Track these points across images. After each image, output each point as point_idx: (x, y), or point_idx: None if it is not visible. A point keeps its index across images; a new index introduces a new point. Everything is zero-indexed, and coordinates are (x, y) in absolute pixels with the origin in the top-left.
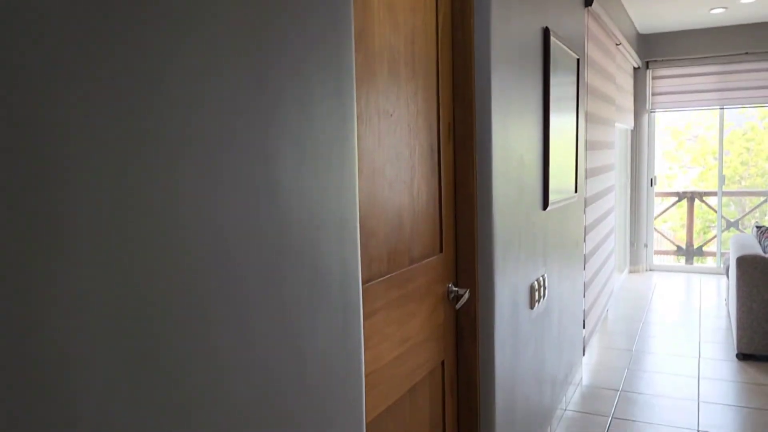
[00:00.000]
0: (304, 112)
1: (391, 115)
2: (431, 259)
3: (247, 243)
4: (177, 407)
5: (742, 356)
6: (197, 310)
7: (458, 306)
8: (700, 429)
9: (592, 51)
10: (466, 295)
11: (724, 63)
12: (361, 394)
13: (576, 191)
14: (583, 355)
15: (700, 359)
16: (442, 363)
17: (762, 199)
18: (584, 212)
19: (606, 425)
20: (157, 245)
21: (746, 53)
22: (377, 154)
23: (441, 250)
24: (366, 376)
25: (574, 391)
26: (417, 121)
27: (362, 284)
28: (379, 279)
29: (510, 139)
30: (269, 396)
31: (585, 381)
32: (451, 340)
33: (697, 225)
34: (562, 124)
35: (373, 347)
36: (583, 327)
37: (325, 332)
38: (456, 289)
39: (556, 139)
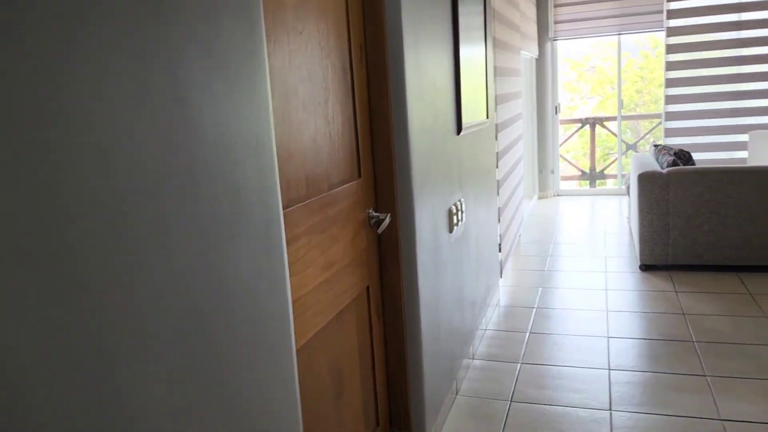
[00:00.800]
0: (211, 21)
1: (301, 33)
2: (350, 184)
3: (160, 156)
4: (89, 333)
5: (645, 267)
6: (113, 226)
7: (380, 231)
8: (609, 335)
9: None
10: (387, 220)
11: None
12: (289, 320)
13: (487, 117)
14: (501, 277)
15: (607, 273)
16: (368, 288)
17: (657, 121)
18: (496, 138)
19: (524, 340)
20: (62, 162)
21: None
22: (289, 74)
23: (360, 175)
24: (293, 302)
25: (493, 312)
26: (328, 40)
27: (283, 209)
28: (299, 204)
29: (422, 62)
30: (190, 320)
31: (503, 302)
32: (375, 264)
33: (599, 151)
34: (472, 48)
35: (298, 273)
36: (499, 251)
37: (248, 255)
38: (377, 214)
39: (467, 64)
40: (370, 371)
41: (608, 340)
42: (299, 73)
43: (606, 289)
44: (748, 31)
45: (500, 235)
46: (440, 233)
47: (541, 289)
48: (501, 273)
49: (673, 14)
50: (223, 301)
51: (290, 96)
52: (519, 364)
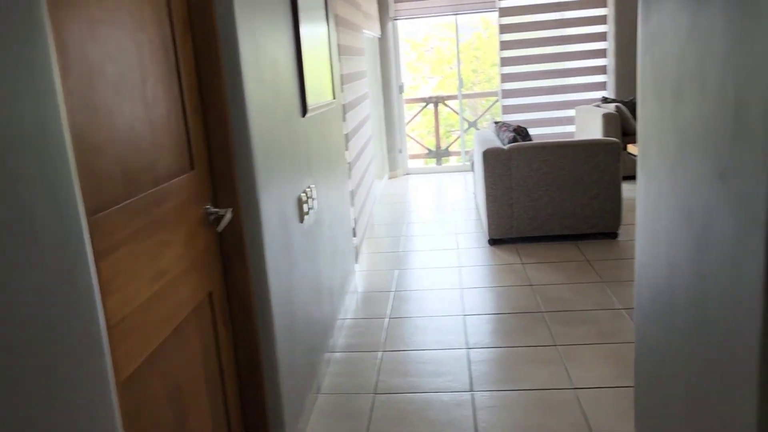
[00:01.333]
0: None
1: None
2: (181, 177)
3: None
4: None
5: (493, 242)
6: None
7: (220, 228)
8: (465, 313)
9: None
10: (228, 215)
11: None
12: (103, 350)
13: (334, 98)
14: (356, 262)
15: (459, 250)
16: (210, 294)
17: (494, 99)
18: (344, 119)
19: (384, 326)
20: None
21: None
22: (91, 49)
23: (192, 167)
24: (113, 327)
25: (352, 299)
26: (143, 12)
27: (90, 215)
28: (115, 207)
29: (260, 38)
30: None
31: (360, 288)
32: (218, 266)
33: (441, 129)
34: (313, 25)
35: (119, 290)
36: (354, 235)
37: (36, 281)
38: (216, 209)
39: (309, 42)
40: (218, 387)
41: (464, 318)
42: (105, 49)
43: (459, 266)
44: (569, 12)
45: (354, 219)
46: (291, 224)
47: (397, 271)
48: (357, 258)
49: None
50: (10, 343)
51: (94, 76)
52: (381, 353)
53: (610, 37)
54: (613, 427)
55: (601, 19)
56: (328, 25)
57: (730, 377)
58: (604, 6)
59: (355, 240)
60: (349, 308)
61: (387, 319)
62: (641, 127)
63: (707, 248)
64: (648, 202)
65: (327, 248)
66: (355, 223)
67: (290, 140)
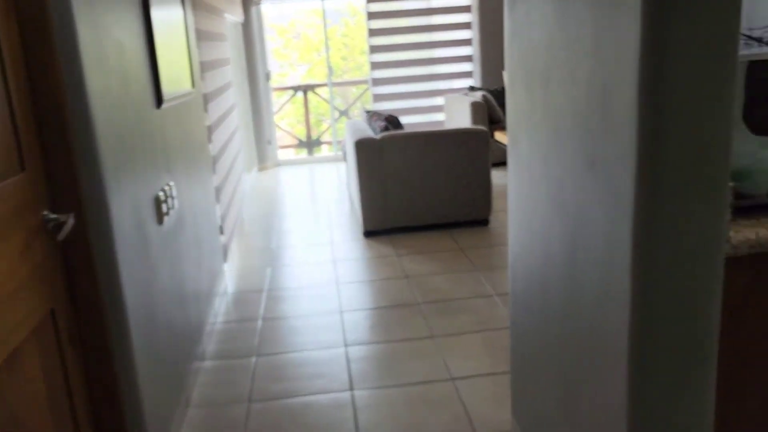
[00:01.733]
0: None
1: None
2: (8, 181)
3: None
4: None
5: (368, 233)
6: None
7: (62, 237)
8: (342, 309)
9: None
10: (71, 221)
11: None
12: None
13: (193, 86)
14: (225, 262)
15: (333, 244)
16: (53, 311)
17: (364, 87)
18: (206, 110)
19: (257, 329)
20: None
21: None
22: None
23: (23, 168)
24: None
25: (222, 302)
26: None
27: None
28: None
29: (101, 18)
30: None
31: (231, 288)
32: (61, 280)
33: (312, 118)
34: (166, 7)
35: None
36: (222, 233)
37: None
38: (55, 216)
39: (162, 26)
40: (67, 412)
41: (342, 315)
42: None
43: (334, 260)
44: (435, 0)
45: (221, 216)
46: (147, 226)
47: (270, 269)
48: (226, 257)
49: None
50: None
51: None
52: (255, 358)
53: (475, 26)
54: (492, 415)
55: (465, 9)
56: (183, 7)
57: (602, 359)
58: None
59: (223, 238)
60: (219, 311)
61: (260, 321)
62: (510, 116)
63: (581, 239)
64: (520, 192)
65: (191, 249)
66: (223, 219)
67: (143, 134)
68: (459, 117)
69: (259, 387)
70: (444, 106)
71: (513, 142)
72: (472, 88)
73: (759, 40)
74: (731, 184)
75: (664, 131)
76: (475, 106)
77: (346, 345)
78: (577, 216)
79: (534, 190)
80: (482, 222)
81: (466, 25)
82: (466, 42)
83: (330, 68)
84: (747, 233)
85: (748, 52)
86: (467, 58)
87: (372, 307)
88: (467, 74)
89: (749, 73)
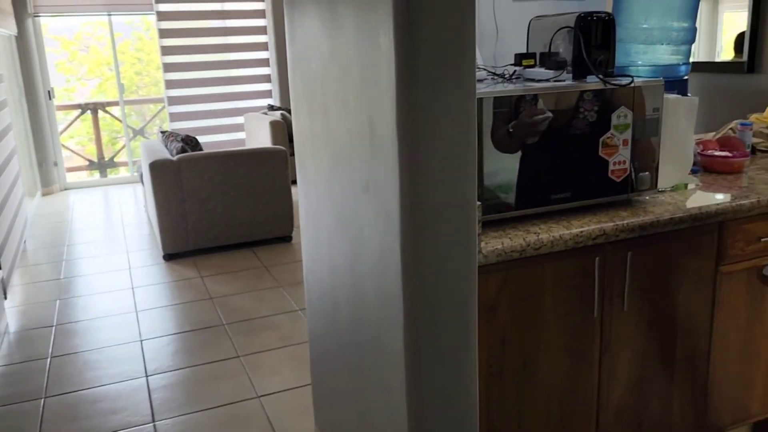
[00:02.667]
0: None
1: None
2: None
3: None
4: None
5: (168, 257)
6: None
7: None
8: (142, 338)
9: None
10: None
11: None
12: None
13: None
14: (5, 298)
15: (131, 270)
16: None
17: (161, 105)
18: None
19: (46, 368)
20: None
21: None
22: None
23: None
24: None
25: (2, 342)
26: None
27: None
28: None
29: None
30: None
31: (13, 327)
32: None
33: (105, 137)
34: None
35: None
36: None
37: None
38: None
39: None
40: None
41: (142, 344)
42: None
43: (132, 288)
44: (231, 21)
45: None
46: None
47: (59, 301)
48: (5, 293)
49: None
50: None
51: None
52: (43, 400)
53: (271, 47)
54: (297, 426)
55: (261, 30)
56: None
57: (384, 363)
58: (264, 17)
59: (1, 273)
60: (0, 354)
61: (49, 359)
62: (297, 141)
63: (361, 253)
64: (309, 211)
65: None
66: (0, 252)
67: None
68: (260, 135)
69: (48, 431)
70: (244, 125)
71: (300, 165)
72: (271, 107)
73: (503, 76)
74: (478, 202)
75: (423, 158)
76: (275, 125)
77: (146, 374)
78: (357, 232)
79: (320, 208)
80: (285, 239)
81: (264, 46)
82: (265, 62)
83: (121, 86)
84: (495, 243)
85: (490, 89)
86: (266, 78)
87: (174, 332)
88: (267, 93)
89: (495, 105)
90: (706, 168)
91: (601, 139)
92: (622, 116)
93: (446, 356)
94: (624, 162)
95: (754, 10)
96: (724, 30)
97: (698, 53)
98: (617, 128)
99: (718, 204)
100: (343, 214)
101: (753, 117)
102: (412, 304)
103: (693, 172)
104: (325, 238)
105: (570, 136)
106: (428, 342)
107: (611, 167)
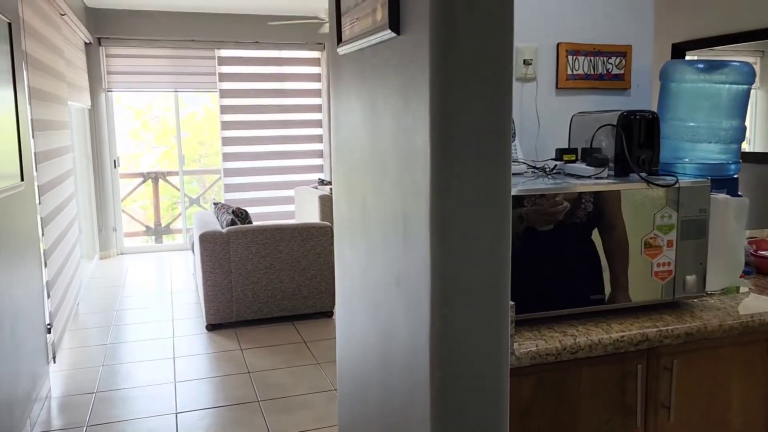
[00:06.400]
0: None
1: None
2: None
3: None
4: None
5: (211, 327)
6: None
7: None
8: (177, 410)
9: (30, 18)
10: None
11: (175, 47)
12: None
13: (22, 179)
14: (54, 362)
15: (174, 338)
16: None
17: (217, 176)
18: (39, 202)
19: None
20: None
21: (193, 40)
22: None
23: None
24: None
25: (42, 408)
26: None
27: None
28: None
29: None
30: None
31: (56, 392)
32: None
33: (165, 203)
34: None
35: None
36: (49, 332)
37: None
38: None
39: None
40: None
41: (176, 417)
42: None
43: (174, 357)
44: (288, 99)
45: (51, 313)
46: None
47: (102, 368)
48: (54, 357)
49: (224, 78)
50: None
51: None
52: None
53: (324, 124)
54: None
55: (316, 108)
56: (15, 98)
57: None
58: (319, 96)
59: (51, 337)
60: (38, 419)
61: (85, 428)
62: (337, 227)
63: (391, 347)
64: (344, 295)
65: (4, 355)
66: (53, 317)
67: None
68: (308, 209)
69: None
70: (294, 198)
71: (338, 250)
72: (321, 182)
73: (543, 170)
74: (511, 302)
75: (451, 255)
76: (323, 200)
77: None
78: (388, 324)
79: (354, 295)
80: (327, 314)
81: (318, 123)
82: (318, 138)
83: (181, 157)
84: (529, 345)
85: (529, 185)
86: (318, 153)
87: (210, 405)
88: (318, 168)
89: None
90: (760, 270)
91: (642, 239)
92: (666, 217)
93: None
94: (669, 264)
95: None
96: None
97: (754, 143)
98: (661, 229)
99: None
100: (375, 303)
101: None
102: (439, 405)
103: (746, 273)
104: (358, 326)
105: (610, 234)
106: None
107: (654, 268)
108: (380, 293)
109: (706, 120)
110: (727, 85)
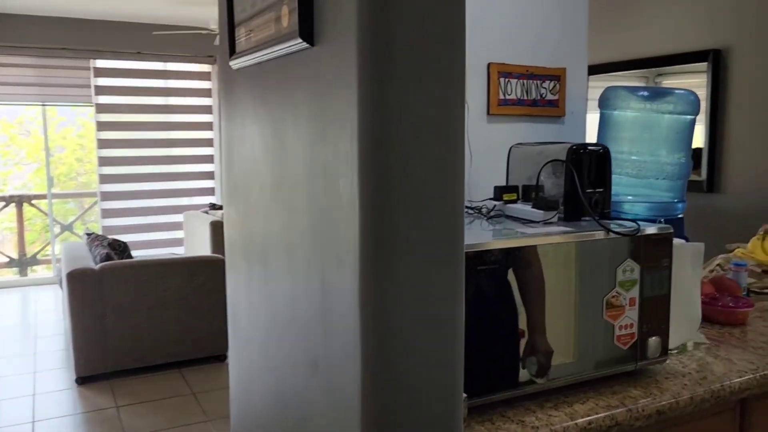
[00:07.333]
0: None
1: None
2: None
3: None
4: None
5: (81, 380)
6: None
7: None
8: None
9: None
10: None
11: (43, 56)
12: None
13: None
14: None
15: (36, 396)
16: None
17: (95, 199)
18: None
19: None
20: None
21: (64, 48)
22: None
23: None
24: None
25: None
26: None
27: None
28: None
29: None
30: None
31: None
32: None
33: (36, 226)
34: None
35: None
36: None
37: None
38: None
39: None
40: None
41: None
42: None
43: (33, 421)
44: (174, 115)
45: None
46: None
47: None
48: None
49: (101, 91)
50: None
51: None
52: None
53: (216, 143)
54: None
55: (207, 125)
56: None
57: None
58: (210, 113)
59: None
60: None
61: None
62: (230, 284)
63: None
64: (241, 376)
65: None
66: None
67: None
68: (199, 235)
69: None
70: (183, 224)
71: (233, 320)
72: (213, 206)
73: (480, 211)
74: (464, 394)
75: (391, 347)
76: (215, 226)
77: None
78: (300, 409)
79: (254, 378)
80: (219, 357)
81: (208, 142)
82: (209, 159)
83: (50, 179)
84: None
85: (473, 239)
86: (209, 175)
87: None
88: (209, 191)
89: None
90: (706, 317)
91: (604, 298)
92: (628, 271)
93: None
94: (631, 325)
95: (711, 124)
96: None
97: None
98: (623, 285)
99: (741, 378)
100: (283, 391)
101: (738, 251)
102: None
103: None
104: (258, 415)
105: (567, 296)
106: None
107: (617, 332)
108: (290, 377)
109: (652, 153)
110: (674, 115)
